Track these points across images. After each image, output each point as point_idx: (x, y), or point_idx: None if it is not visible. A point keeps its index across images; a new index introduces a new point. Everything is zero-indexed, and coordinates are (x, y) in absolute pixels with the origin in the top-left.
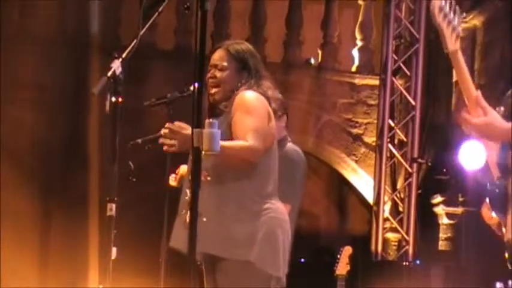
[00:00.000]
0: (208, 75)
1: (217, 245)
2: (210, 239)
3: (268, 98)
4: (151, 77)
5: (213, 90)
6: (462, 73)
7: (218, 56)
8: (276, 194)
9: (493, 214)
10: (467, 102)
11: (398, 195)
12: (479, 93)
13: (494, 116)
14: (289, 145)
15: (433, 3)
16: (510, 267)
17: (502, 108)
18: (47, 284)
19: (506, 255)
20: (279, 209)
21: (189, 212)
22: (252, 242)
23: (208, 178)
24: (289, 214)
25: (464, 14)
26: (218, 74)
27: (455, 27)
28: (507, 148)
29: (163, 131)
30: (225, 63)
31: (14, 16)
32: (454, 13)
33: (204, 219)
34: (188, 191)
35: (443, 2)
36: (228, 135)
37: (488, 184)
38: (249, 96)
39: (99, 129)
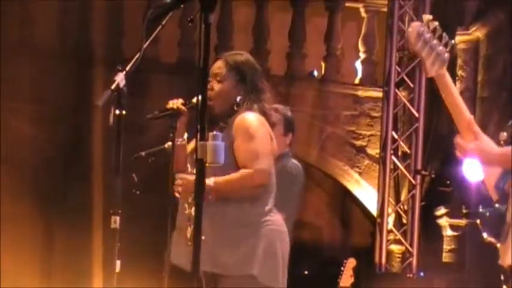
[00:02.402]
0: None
1: (219, 263)
2: (211, 257)
3: (266, 114)
4: (154, 90)
5: (211, 103)
6: (451, 97)
7: (217, 67)
8: (273, 206)
9: (485, 235)
10: (458, 127)
11: (402, 207)
12: (471, 118)
13: (486, 142)
14: (292, 161)
15: (412, 28)
16: None
17: (505, 134)
18: None
19: (502, 277)
20: (277, 221)
21: (189, 228)
22: (253, 255)
23: (210, 197)
24: (285, 222)
25: (453, 42)
26: (216, 86)
27: (439, 53)
28: (508, 174)
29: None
30: (223, 75)
31: (15, 28)
32: (440, 38)
33: (203, 238)
34: (187, 206)
35: (421, 28)
36: (230, 157)
37: (481, 206)
38: (249, 119)
39: (102, 142)
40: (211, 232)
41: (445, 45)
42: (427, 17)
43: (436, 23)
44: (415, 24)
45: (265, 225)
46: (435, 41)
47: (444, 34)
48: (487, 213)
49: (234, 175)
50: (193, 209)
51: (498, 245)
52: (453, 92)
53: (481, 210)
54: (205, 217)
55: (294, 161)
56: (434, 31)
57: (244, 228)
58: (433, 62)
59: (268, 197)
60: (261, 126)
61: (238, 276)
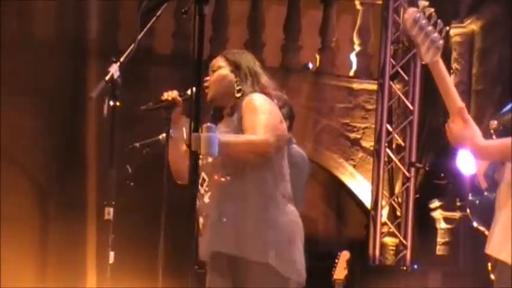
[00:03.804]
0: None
1: (242, 246)
2: (232, 239)
3: (271, 97)
4: (149, 81)
5: (207, 90)
6: (444, 84)
7: (214, 61)
8: (291, 195)
9: (474, 224)
10: (450, 113)
11: (396, 199)
12: (463, 105)
13: (475, 131)
14: (294, 148)
15: (408, 14)
16: (493, 277)
17: (495, 122)
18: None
19: (490, 266)
20: (295, 212)
21: (200, 218)
22: (271, 244)
23: (228, 178)
24: None
25: (447, 28)
26: (212, 76)
27: (434, 40)
28: (497, 162)
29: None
30: (219, 65)
31: (12, 20)
32: (435, 25)
33: (224, 220)
34: (206, 196)
35: (417, 14)
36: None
37: (470, 195)
38: (256, 97)
39: (96, 133)
40: (233, 214)
41: (440, 32)
42: (423, 3)
43: (432, 10)
44: (411, 10)
45: (286, 215)
46: (430, 28)
47: (439, 21)
48: (477, 202)
49: (242, 136)
50: (205, 198)
51: (487, 233)
52: (447, 79)
53: (470, 198)
54: (227, 199)
55: (298, 148)
56: (429, 17)
57: (266, 214)
58: (428, 48)
59: (286, 184)
60: (268, 103)
61: (257, 262)
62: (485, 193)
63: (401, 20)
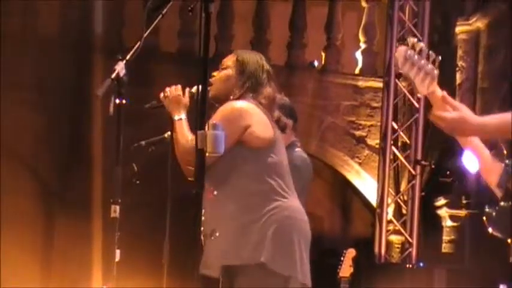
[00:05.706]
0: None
1: (230, 254)
2: (224, 250)
3: (264, 107)
4: (154, 79)
5: (210, 87)
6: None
7: (226, 58)
8: (291, 192)
9: (490, 230)
10: (433, 106)
11: (401, 197)
12: (444, 92)
13: (465, 111)
14: (297, 151)
15: (398, 53)
16: None
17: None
18: (50, 285)
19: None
20: (292, 207)
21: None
22: (262, 242)
23: (215, 193)
24: None
25: (440, 58)
26: (218, 73)
27: (428, 72)
28: (508, 172)
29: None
30: (227, 64)
31: (17, 16)
32: (427, 58)
33: (217, 234)
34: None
35: (408, 52)
36: None
37: (487, 206)
38: (230, 106)
39: (102, 131)
40: (222, 226)
41: (433, 63)
42: (412, 40)
43: (422, 44)
44: (401, 48)
45: (276, 212)
46: (423, 61)
47: (431, 52)
48: (493, 213)
49: (188, 136)
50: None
51: (509, 241)
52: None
53: (487, 210)
54: (215, 213)
55: (301, 152)
56: (420, 52)
57: (251, 213)
58: (422, 80)
59: (278, 179)
60: (234, 116)
61: (251, 265)
62: (501, 203)
63: (406, 18)
